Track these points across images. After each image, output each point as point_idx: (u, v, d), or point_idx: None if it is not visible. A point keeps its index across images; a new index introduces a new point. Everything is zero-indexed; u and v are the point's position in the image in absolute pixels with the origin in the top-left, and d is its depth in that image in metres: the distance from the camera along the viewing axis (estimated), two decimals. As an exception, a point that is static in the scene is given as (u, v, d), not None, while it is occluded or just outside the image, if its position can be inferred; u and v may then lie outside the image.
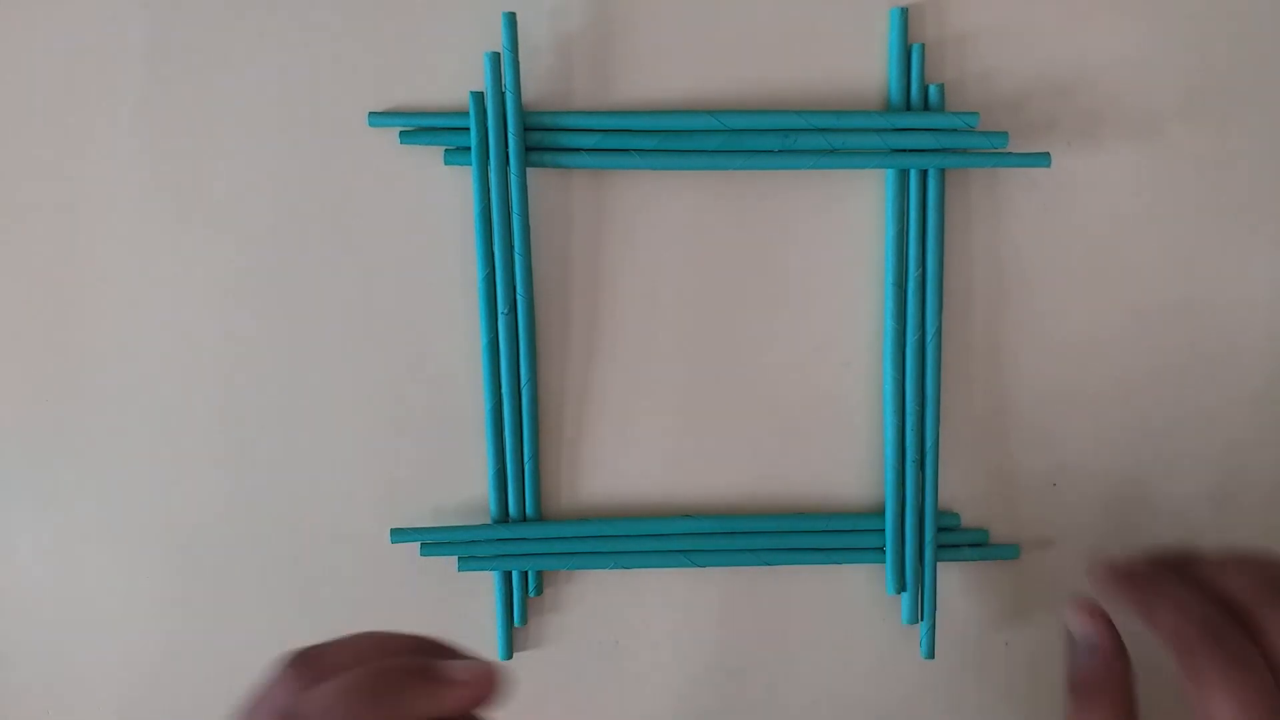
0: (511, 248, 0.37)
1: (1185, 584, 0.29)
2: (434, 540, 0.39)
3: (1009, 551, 0.40)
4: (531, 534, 0.39)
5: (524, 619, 0.39)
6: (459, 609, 0.39)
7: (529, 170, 0.37)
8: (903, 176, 0.38)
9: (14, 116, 0.38)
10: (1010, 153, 0.38)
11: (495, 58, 0.37)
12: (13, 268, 0.38)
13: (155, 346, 0.38)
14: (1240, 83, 0.39)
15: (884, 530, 0.39)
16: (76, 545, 0.39)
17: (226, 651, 0.39)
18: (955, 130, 0.37)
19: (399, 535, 0.38)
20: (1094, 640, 0.30)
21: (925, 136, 0.37)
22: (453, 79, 0.38)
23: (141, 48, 0.38)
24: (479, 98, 0.37)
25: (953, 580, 0.40)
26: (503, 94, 0.37)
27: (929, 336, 0.38)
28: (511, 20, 0.36)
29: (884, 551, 0.39)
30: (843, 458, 0.40)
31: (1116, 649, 0.30)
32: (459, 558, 0.38)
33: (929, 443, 0.39)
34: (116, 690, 0.39)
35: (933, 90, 0.38)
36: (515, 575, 0.39)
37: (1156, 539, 0.40)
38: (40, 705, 0.39)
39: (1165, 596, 0.29)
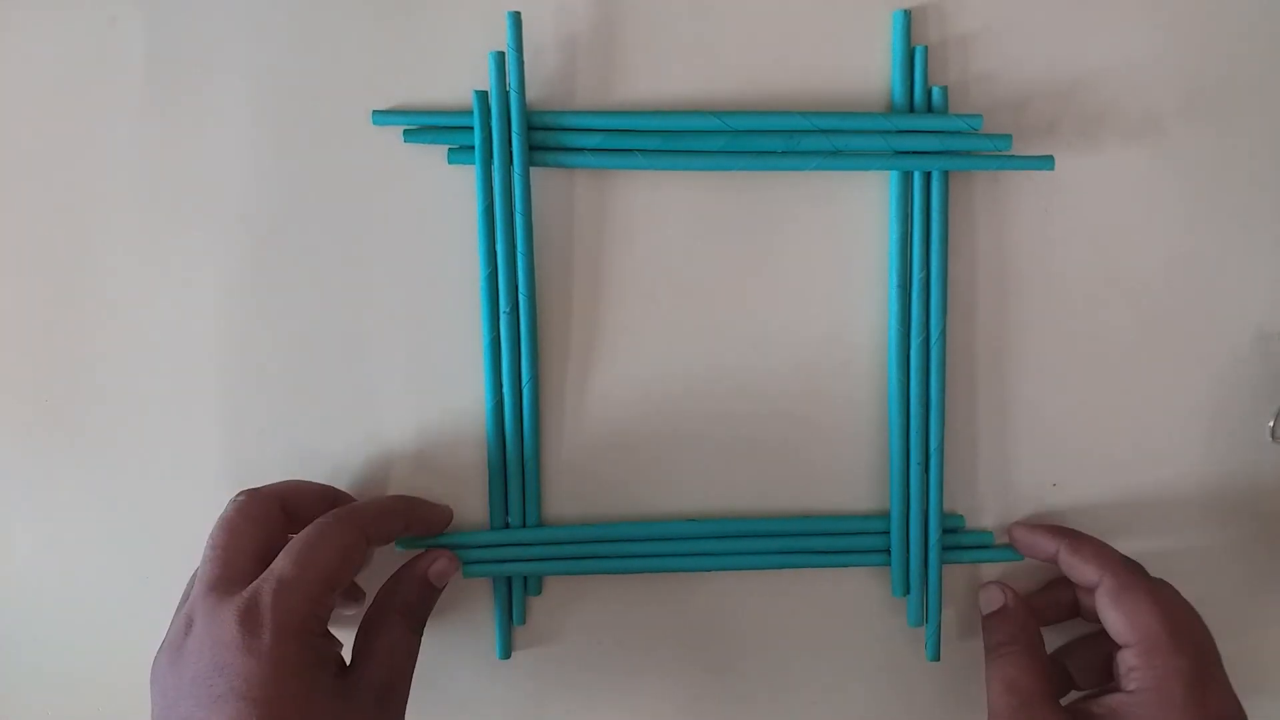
0: (514, 247, 0.37)
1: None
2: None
3: (1014, 553, 0.40)
4: (532, 539, 0.38)
5: (524, 618, 0.39)
6: (458, 609, 0.39)
7: (532, 170, 0.37)
8: (906, 178, 0.38)
9: (15, 116, 0.38)
10: (1014, 155, 0.38)
11: (500, 57, 0.37)
12: (13, 268, 0.38)
13: (156, 346, 0.38)
14: (1240, 83, 0.39)
15: (889, 533, 0.39)
16: (76, 544, 0.39)
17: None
18: (959, 133, 0.38)
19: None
20: (1008, 604, 0.38)
21: (929, 139, 0.37)
22: (457, 78, 0.38)
23: (143, 48, 0.37)
24: (483, 97, 0.37)
25: (957, 582, 0.40)
26: (507, 93, 0.37)
27: (933, 338, 0.38)
28: (516, 20, 0.36)
29: (889, 554, 0.39)
30: (846, 460, 0.40)
31: (1028, 608, 0.38)
32: (463, 563, 0.38)
33: (934, 444, 0.39)
34: (117, 689, 0.39)
35: (935, 92, 0.38)
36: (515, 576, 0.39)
37: (1156, 538, 0.40)
38: (40, 704, 0.39)
39: (1083, 537, 0.38)
